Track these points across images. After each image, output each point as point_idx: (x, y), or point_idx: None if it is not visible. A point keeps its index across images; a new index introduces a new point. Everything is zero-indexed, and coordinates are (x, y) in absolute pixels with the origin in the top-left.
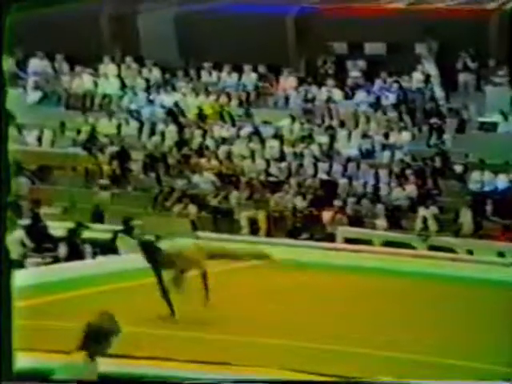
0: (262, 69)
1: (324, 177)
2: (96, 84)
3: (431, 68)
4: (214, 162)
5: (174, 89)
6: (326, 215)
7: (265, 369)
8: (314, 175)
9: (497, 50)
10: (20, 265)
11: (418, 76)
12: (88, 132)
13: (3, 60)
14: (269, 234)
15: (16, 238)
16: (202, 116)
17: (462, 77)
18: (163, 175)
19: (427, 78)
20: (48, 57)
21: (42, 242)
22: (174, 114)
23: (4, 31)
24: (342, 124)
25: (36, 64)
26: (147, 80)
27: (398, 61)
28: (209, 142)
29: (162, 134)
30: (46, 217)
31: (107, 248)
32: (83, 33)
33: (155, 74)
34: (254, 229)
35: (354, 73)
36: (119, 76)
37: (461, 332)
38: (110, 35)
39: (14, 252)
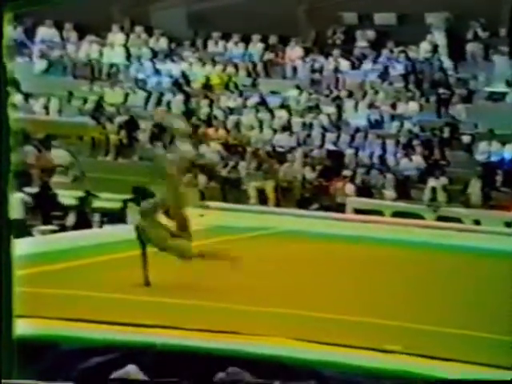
0: (269, 39)
1: (331, 147)
2: (102, 53)
3: (441, 38)
4: (221, 132)
5: (181, 58)
6: (334, 185)
7: (274, 338)
8: (321, 145)
9: (508, 19)
10: (28, 233)
11: (425, 46)
12: (95, 101)
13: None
14: (278, 205)
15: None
16: (208, 86)
17: (471, 46)
18: (169, 145)
19: (435, 48)
20: (56, 25)
21: (50, 211)
22: (180, 84)
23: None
24: (350, 94)
25: (44, 32)
26: (153, 50)
27: (407, 31)
28: (216, 112)
29: (169, 104)
30: (56, 185)
31: (116, 217)
32: (93, 1)
33: (161, 44)
34: (262, 199)
35: (363, 43)
36: (125, 45)
37: (468, 302)
38: (119, 5)
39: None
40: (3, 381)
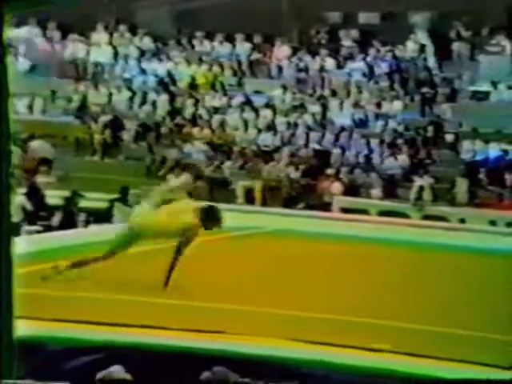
0: (255, 38)
1: (316, 146)
2: (87, 52)
3: (424, 37)
4: (206, 132)
5: (167, 58)
6: (320, 184)
7: (260, 338)
8: (306, 145)
9: (490, 18)
10: (17, 233)
11: (411, 45)
12: (79, 101)
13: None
14: (264, 204)
15: (17, 203)
16: (194, 85)
17: (457, 46)
18: (154, 145)
19: (421, 48)
20: (40, 24)
21: (37, 211)
22: (166, 84)
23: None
24: (334, 93)
25: (27, 32)
26: (139, 49)
27: (391, 30)
28: (201, 112)
29: (154, 104)
30: (42, 185)
31: (101, 217)
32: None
33: (145, 43)
34: (249, 198)
35: (347, 42)
36: (111, 44)
37: (455, 300)
38: (103, 4)
39: (15, 217)
40: (3, 381)
